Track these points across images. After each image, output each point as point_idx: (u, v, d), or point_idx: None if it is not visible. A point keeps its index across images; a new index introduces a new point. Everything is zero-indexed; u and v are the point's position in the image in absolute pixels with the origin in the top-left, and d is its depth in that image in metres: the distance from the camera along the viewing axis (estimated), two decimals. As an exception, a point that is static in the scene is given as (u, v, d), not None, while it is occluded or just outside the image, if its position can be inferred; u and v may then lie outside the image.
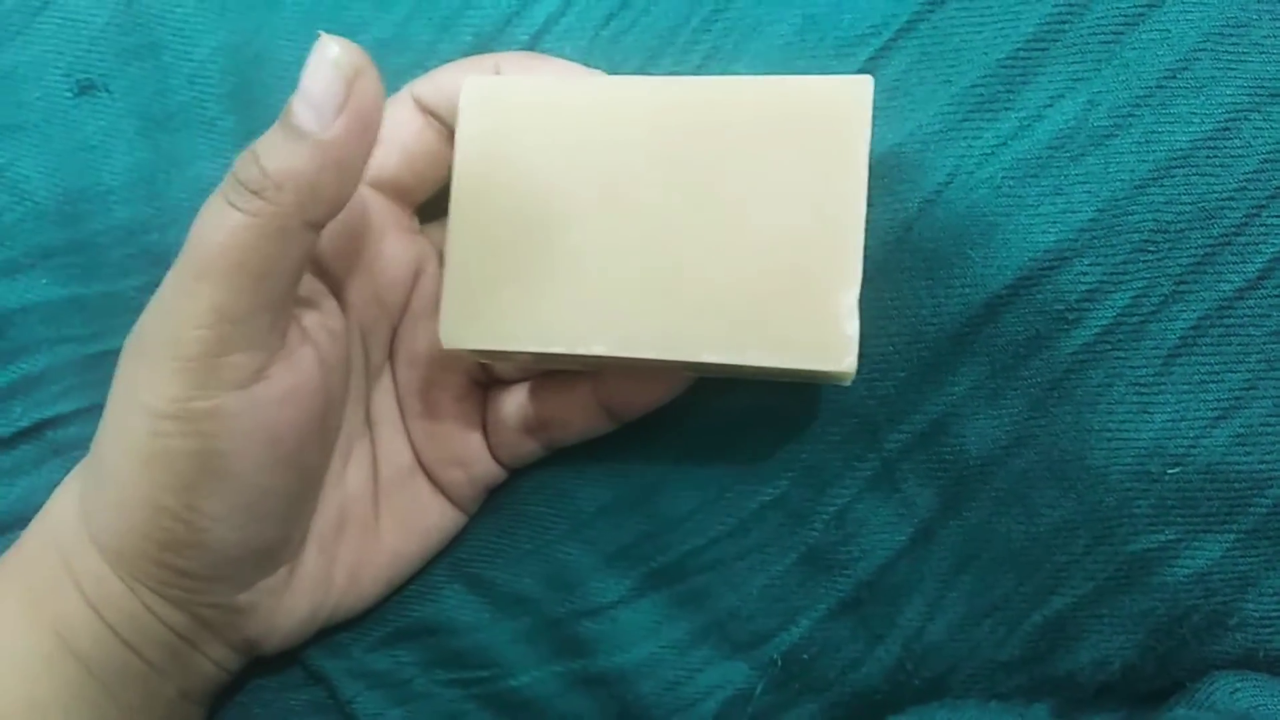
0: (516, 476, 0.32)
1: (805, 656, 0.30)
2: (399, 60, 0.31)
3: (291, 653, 0.31)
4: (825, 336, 0.24)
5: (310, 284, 0.28)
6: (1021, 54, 0.28)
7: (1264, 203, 0.27)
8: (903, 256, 0.28)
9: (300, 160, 0.24)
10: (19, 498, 0.33)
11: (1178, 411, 0.27)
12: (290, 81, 0.24)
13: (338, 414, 0.29)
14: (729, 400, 0.30)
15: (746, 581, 0.30)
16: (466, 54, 0.30)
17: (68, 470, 0.29)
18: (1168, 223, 0.27)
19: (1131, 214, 0.27)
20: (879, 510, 0.30)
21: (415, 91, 0.28)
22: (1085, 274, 0.27)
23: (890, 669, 0.30)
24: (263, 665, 0.31)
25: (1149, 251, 0.27)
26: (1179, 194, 0.27)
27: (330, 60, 0.24)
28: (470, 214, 0.27)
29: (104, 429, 0.26)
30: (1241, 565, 0.28)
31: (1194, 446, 0.27)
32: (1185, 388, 0.27)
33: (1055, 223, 0.27)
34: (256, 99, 0.32)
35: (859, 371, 0.25)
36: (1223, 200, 0.27)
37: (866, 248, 0.25)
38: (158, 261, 0.32)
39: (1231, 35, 0.27)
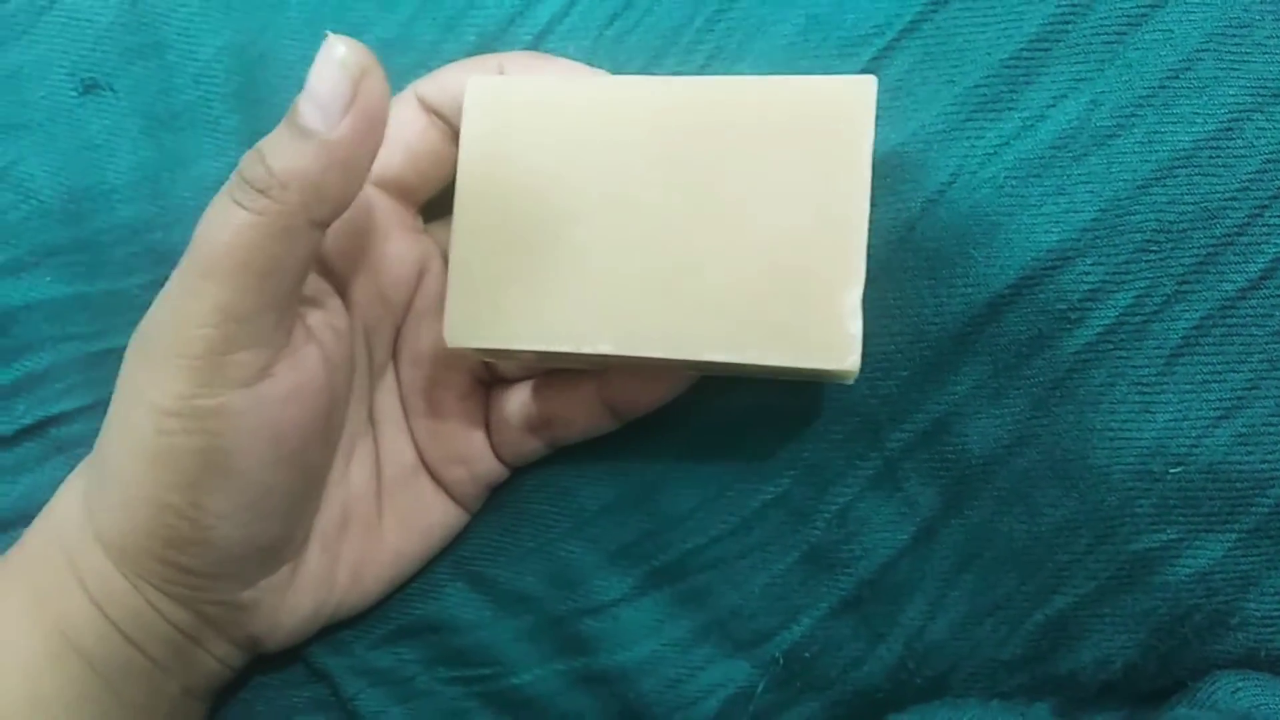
0: (519, 475, 0.32)
1: (807, 655, 0.30)
2: (403, 60, 0.31)
3: (294, 650, 0.31)
4: (829, 335, 0.24)
5: (315, 283, 0.28)
6: (1024, 54, 0.28)
7: (1266, 203, 0.27)
8: (905, 256, 0.28)
9: (306, 159, 0.24)
10: (22, 495, 0.33)
11: (1180, 411, 0.28)
12: (295, 81, 0.24)
13: (341, 412, 0.29)
14: (731, 399, 0.30)
15: (748, 580, 0.30)
16: (470, 54, 0.30)
17: (71, 468, 0.29)
18: (1170, 223, 0.27)
19: (1134, 214, 0.27)
20: (881, 509, 0.30)
21: (419, 91, 0.28)
22: (1088, 274, 0.27)
23: (892, 668, 0.30)
24: (265, 662, 0.31)
25: (1151, 251, 0.27)
26: (1181, 194, 0.27)
27: (337, 60, 0.24)
28: (475, 213, 0.27)
29: (108, 427, 0.27)
30: (1243, 565, 0.28)
31: (1196, 446, 0.27)
32: (1187, 387, 0.27)
33: (1058, 222, 0.28)
34: (261, 99, 0.32)
35: (861, 370, 0.25)
36: (1225, 200, 0.27)
37: (869, 247, 0.25)
38: (161, 260, 0.32)
39: (1234, 35, 0.27)
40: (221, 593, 0.27)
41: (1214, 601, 0.28)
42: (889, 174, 0.28)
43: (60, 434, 0.33)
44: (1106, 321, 0.28)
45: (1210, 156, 0.27)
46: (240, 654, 0.30)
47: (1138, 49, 0.27)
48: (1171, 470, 0.28)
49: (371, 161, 0.25)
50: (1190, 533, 0.28)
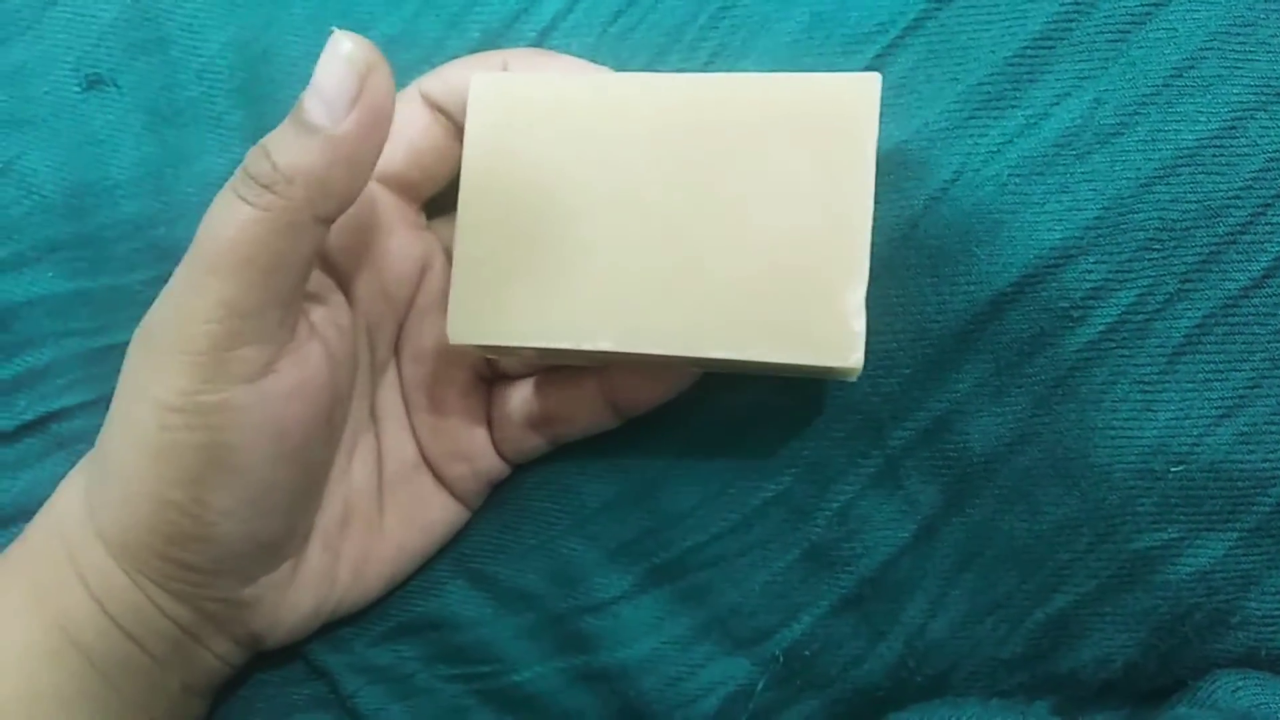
0: (520, 472, 0.32)
1: (807, 653, 0.30)
2: (407, 56, 0.31)
3: (294, 647, 0.31)
4: (832, 333, 0.24)
5: (318, 279, 0.28)
6: (1028, 52, 0.28)
7: (1270, 201, 0.27)
8: (908, 253, 0.28)
9: (311, 155, 0.24)
10: (23, 490, 0.33)
11: (1182, 410, 0.28)
12: (299, 77, 0.24)
13: (344, 409, 0.29)
14: (732, 396, 0.30)
15: (749, 578, 0.30)
16: (474, 50, 0.30)
17: (72, 463, 0.29)
18: (1173, 221, 0.27)
19: (1137, 212, 0.27)
20: (882, 507, 0.30)
21: (423, 88, 0.28)
22: (1090, 272, 0.27)
23: (892, 666, 0.30)
24: (265, 659, 0.31)
25: (1154, 250, 0.27)
26: (1185, 192, 0.27)
27: (343, 56, 0.24)
28: (478, 210, 0.27)
29: (110, 423, 0.26)
30: (1244, 564, 0.28)
31: (1198, 445, 0.28)
32: (1189, 386, 0.27)
33: (1061, 220, 0.28)
34: (265, 94, 0.32)
35: (863, 368, 0.25)
36: (1228, 199, 0.27)
37: (872, 245, 0.25)
38: (164, 256, 0.32)
39: (1238, 34, 0.27)
40: (222, 589, 0.27)
41: (1215, 600, 0.28)
42: (892, 171, 0.28)
43: (61, 429, 0.33)
44: (1109, 320, 0.28)
45: (1213, 155, 0.27)
46: (241, 651, 0.30)
47: (1141, 47, 0.27)
48: (1173, 469, 0.28)
49: (377, 157, 0.25)
50: (1191, 531, 0.28)
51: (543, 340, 0.26)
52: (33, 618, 0.27)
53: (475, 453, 0.30)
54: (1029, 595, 0.29)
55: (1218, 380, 0.27)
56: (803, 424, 0.30)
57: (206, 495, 0.25)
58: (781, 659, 0.30)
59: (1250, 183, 0.27)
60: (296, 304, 0.26)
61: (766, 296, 0.25)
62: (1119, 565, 0.28)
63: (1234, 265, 0.27)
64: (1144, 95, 0.27)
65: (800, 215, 0.25)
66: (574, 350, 0.26)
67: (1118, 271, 0.27)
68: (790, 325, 0.25)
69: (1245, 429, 0.27)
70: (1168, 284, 0.27)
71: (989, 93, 0.28)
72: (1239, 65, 0.27)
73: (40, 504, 0.29)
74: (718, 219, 0.25)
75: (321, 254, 0.27)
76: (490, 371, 0.31)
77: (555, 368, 0.30)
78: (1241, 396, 0.27)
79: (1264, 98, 0.27)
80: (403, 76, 0.29)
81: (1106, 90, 0.28)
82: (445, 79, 0.28)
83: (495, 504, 0.32)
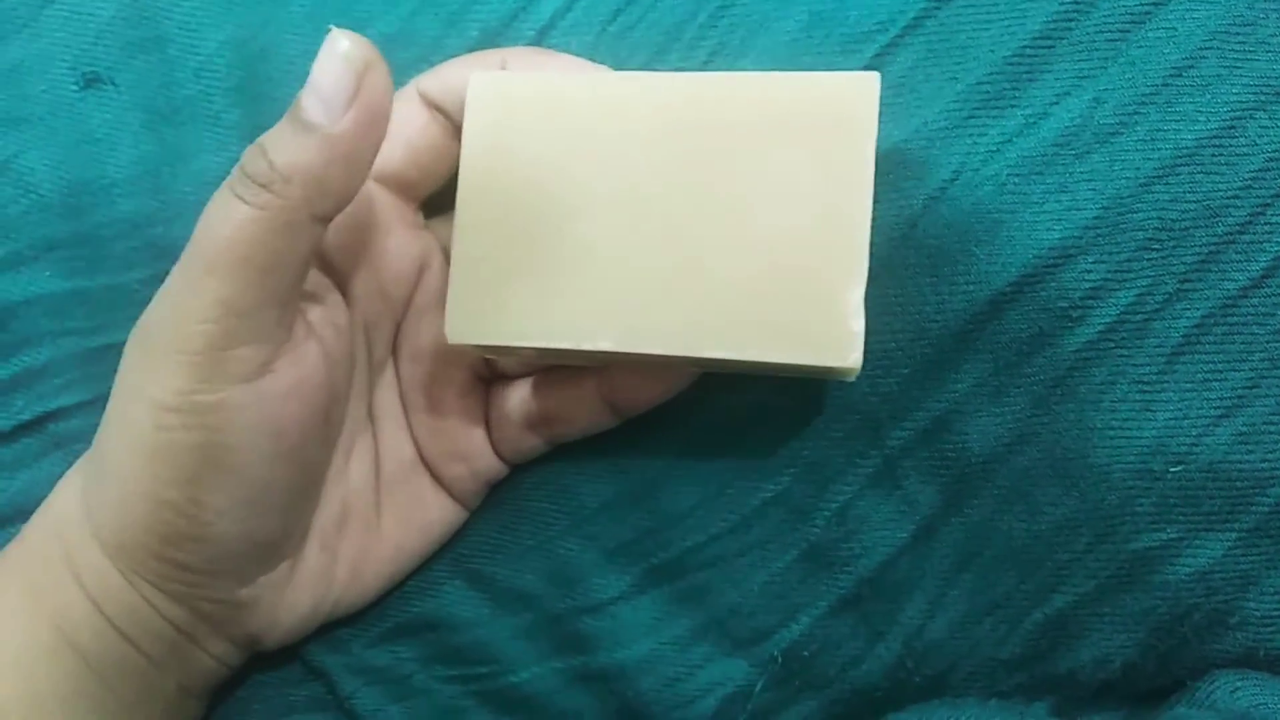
0: (518, 472, 0.31)
1: (805, 654, 0.30)
2: (405, 55, 0.31)
3: (291, 648, 0.31)
4: (831, 332, 0.24)
5: (315, 278, 0.28)
6: (1028, 51, 0.28)
7: (1269, 201, 0.27)
8: (907, 253, 0.28)
9: (309, 154, 0.24)
10: (20, 490, 0.33)
11: (1180, 410, 0.28)
12: (297, 76, 0.24)
13: (341, 408, 0.29)
14: (731, 396, 0.30)
15: (747, 578, 0.30)
16: (472, 49, 0.30)
17: (69, 463, 0.29)
18: (1172, 221, 0.27)
19: (1136, 212, 0.27)
20: (881, 507, 0.30)
21: (421, 86, 0.28)
22: (1089, 272, 0.27)
23: (891, 666, 0.30)
24: (262, 660, 0.31)
25: (1153, 249, 0.27)
26: (1184, 192, 0.27)
27: (340, 54, 0.24)
28: (476, 209, 0.27)
29: (107, 422, 0.26)
30: (1243, 564, 0.28)
31: (1196, 445, 0.27)
32: (1188, 386, 0.27)
33: (1060, 220, 0.28)
34: (263, 93, 0.32)
35: (862, 368, 0.25)
36: (1228, 198, 0.27)
37: (871, 244, 0.25)
38: (162, 255, 0.32)
39: (1238, 33, 0.27)
40: (219, 590, 0.27)
41: (1213, 601, 0.28)
42: (891, 171, 0.28)
43: (59, 429, 0.33)
44: (1108, 320, 0.28)
45: (1213, 154, 0.27)
46: (238, 652, 0.29)
47: (1141, 46, 0.27)
48: (1172, 469, 0.28)
49: (374, 156, 0.25)
50: (1190, 532, 0.28)
51: (542, 340, 0.26)
52: (29, 618, 0.27)
53: (473, 453, 0.30)
54: (1028, 595, 0.29)
55: (1216, 380, 0.27)
56: (801, 424, 0.30)
57: (202, 495, 0.25)
58: (780, 659, 0.30)
59: (1249, 182, 0.27)
60: (294, 303, 0.26)
61: (765, 296, 0.25)
62: (1118, 565, 0.28)
63: (1233, 265, 0.27)
64: (1143, 95, 0.27)
65: (799, 215, 0.25)
66: (573, 350, 0.26)
67: (1117, 271, 0.27)
68: (789, 325, 0.25)
69: (1244, 429, 0.27)
70: (1167, 284, 0.27)
71: (988, 92, 0.28)
72: (1238, 65, 0.27)
73: (38, 504, 0.29)
74: (716, 218, 0.25)
75: (319, 253, 0.27)
76: (489, 371, 0.31)
77: (553, 367, 0.30)
78: (1240, 397, 0.27)
79: (1263, 97, 0.27)
80: (401, 75, 0.29)
81: (1106, 90, 0.28)
82: (443, 78, 0.28)
83: (493, 504, 0.32)
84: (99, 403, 0.27)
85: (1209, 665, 0.28)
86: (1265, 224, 0.27)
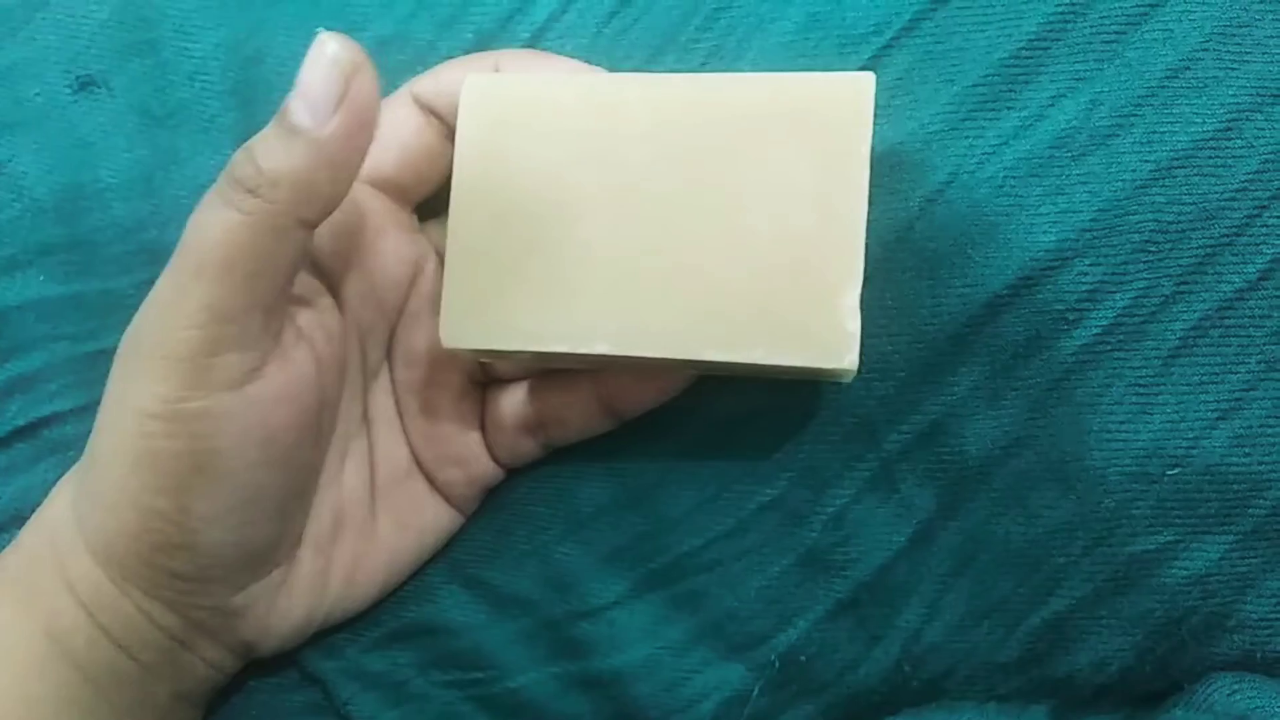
0: (514, 477, 0.31)
1: (803, 658, 0.30)
2: (399, 58, 0.31)
3: (288, 654, 0.31)
4: (827, 334, 0.24)
5: (306, 282, 0.28)
6: (1024, 53, 0.28)
7: (1265, 203, 0.27)
8: (903, 256, 0.28)
9: (296, 158, 0.23)
10: (14, 496, 0.33)
11: (1177, 413, 0.27)
12: (291, 79, 0.24)
13: (332, 414, 0.29)
14: (727, 400, 0.30)
15: (744, 582, 0.30)
16: (467, 52, 0.30)
17: (64, 469, 0.29)
18: (1169, 223, 0.27)
19: (1133, 214, 0.27)
20: (878, 511, 0.30)
21: (415, 89, 0.28)
22: (1086, 274, 0.27)
23: (888, 670, 0.30)
24: (258, 666, 0.31)
25: (1150, 252, 0.27)
26: (1180, 194, 0.27)
27: (328, 57, 0.23)
28: (471, 212, 0.27)
29: (97, 429, 0.26)
30: (1240, 567, 0.28)
31: (1193, 448, 0.27)
32: (1185, 389, 0.27)
33: (1056, 223, 0.28)
34: (256, 96, 0.32)
35: (858, 371, 0.25)
36: (1224, 201, 0.27)
37: (867, 247, 0.25)
38: (156, 259, 0.32)
39: (1234, 35, 0.27)
40: (211, 597, 0.27)
41: (1211, 603, 0.28)
42: (887, 173, 0.28)
43: (53, 435, 0.33)
44: (1104, 322, 0.28)
45: (1209, 157, 0.27)
46: (233, 659, 0.29)
47: (1137, 48, 0.27)
48: (1169, 472, 0.28)
49: (361, 160, 0.25)
50: (1187, 534, 0.28)
51: (537, 344, 0.26)
52: (22, 625, 0.27)
53: (469, 457, 0.30)
54: (1025, 599, 0.29)
55: (1213, 383, 0.27)
56: (798, 428, 0.30)
57: (191, 503, 0.25)
58: (777, 664, 0.30)
59: (1246, 184, 0.27)
60: (281, 308, 0.26)
61: (761, 298, 0.25)
62: (1115, 569, 0.28)
63: (1230, 267, 0.27)
64: (1140, 97, 0.27)
65: (795, 216, 0.25)
66: (569, 354, 0.26)
67: (1113, 274, 0.27)
68: (785, 327, 0.25)
69: (1241, 432, 0.27)
70: (1163, 286, 0.27)
71: (984, 94, 0.28)
72: (1235, 67, 0.27)
73: (32, 510, 0.28)
74: (712, 220, 0.25)
75: (310, 257, 0.27)
76: (484, 375, 0.30)
77: (549, 371, 0.30)
78: (1237, 399, 0.27)
79: (1260, 99, 0.27)
80: (395, 78, 0.29)
81: (1102, 92, 0.28)
82: (438, 81, 0.28)
83: (489, 509, 0.32)
84: (93, 408, 0.27)
85: (1207, 668, 0.28)
86: (1262, 226, 0.27)
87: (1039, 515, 0.28)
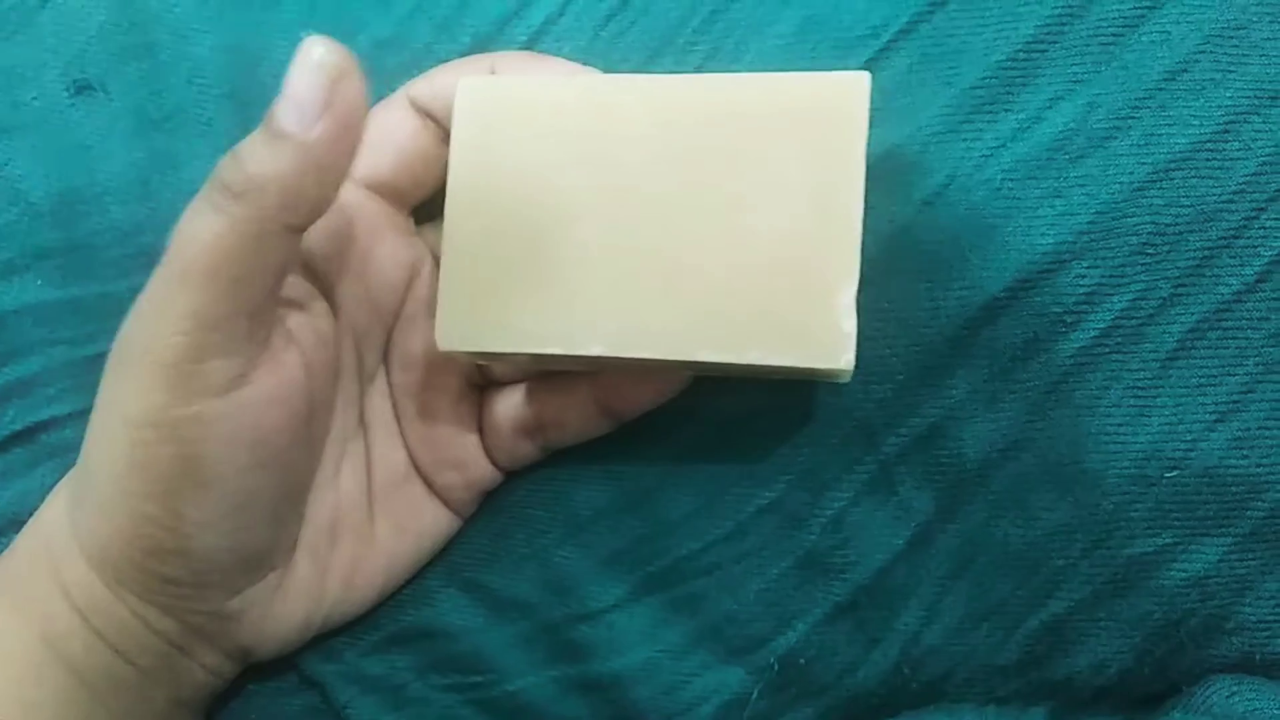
0: (513, 480, 0.31)
1: (802, 660, 0.30)
2: (396, 60, 0.31)
3: (286, 657, 0.31)
4: (823, 334, 0.24)
5: (298, 285, 0.27)
6: (1021, 56, 0.28)
7: (1263, 205, 0.27)
8: (901, 258, 0.28)
9: (282, 163, 0.23)
10: (12, 501, 0.33)
11: (1175, 415, 0.27)
12: (288, 82, 0.24)
13: (325, 417, 0.29)
14: (726, 403, 0.30)
15: (743, 585, 0.30)
16: (465, 54, 0.30)
17: (62, 473, 0.29)
18: (1166, 225, 0.27)
19: (1130, 216, 0.27)
20: (876, 514, 0.29)
21: (411, 93, 0.28)
22: (1083, 277, 0.27)
23: (887, 673, 0.30)
24: (257, 670, 0.31)
25: (1147, 254, 0.27)
26: (1178, 197, 0.27)
27: (314, 62, 0.23)
28: (465, 215, 0.27)
29: (89, 435, 0.26)
30: (1239, 569, 0.28)
31: (1192, 450, 0.27)
32: (1183, 391, 0.27)
33: (1054, 225, 0.27)
34: (254, 99, 0.32)
35: (856, 374, 0.25)
36: (1222, 203, 0.27)
37: (865, 249, 0.24)
38: (153, 262, 0.32)
39: (1231, 38, 0.27)
40: (206, 602, 0.27)
41: (1209, 606, 0.28)
42: (885, 175, 0.28)
43: (51, 439, 0.33)
44: (1102, 325, 0.27)
45: (1207, 159, 0.27)
46: (230, 664, 0.29)
47: (1134, 51, 0.27)
48: (1167, 474, 0.28)
49: (349, 165, 0.24)
50: (1186, 537, 0.28)
51: (532, 346, 0.26)
52: (19, 630, 0.27)
53: (466, 460, 0.30)
54: (1024, 601, 0.29)
55: (1211, 385, 0.27)
56: (796, 431, 0.30)
57: (182, 508, 0.25)
58: (776, 667, 0.30)
59: (1243, 186, 0.27)
60: (269, 313, 0.25)
61: (757, 298, 0.25)
62: (1113, 571, 0.28)
63: (1227, 270, 0.27)
64: (1137, 99, 0.27)
65: (790, 216, 0.25)
66: (565, 356, 0.26)
67: (1111, 276, 0.27)
68: (780, 327, 0.25)
69: (1239, 434, 0.27)
70: (1161, 289, 0.27)
71: (982, 97, 0.28)
72: (1232, 69, 0.27)
73: (30, 514, 0.28)
74: (707, 221, 0.25)
75: (304, 260, 0.27)
76: (481, 378, 0.30)
77: (546, 373, 0.30)
78: (1235, 402, 0.27)
79: (1257, 101, 0.27)
80: (393, 81, 0.29)
81: (1100, 94, 0.27)
82: (433, 84, 0.28)
83: (488, 512, 0.32)
84: (90, 412, 0.26)
85: (1205, 670, 0.28)
86: (1260, 228, 0.27)
87: (1038, 518, 0.28)
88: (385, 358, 0.30)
